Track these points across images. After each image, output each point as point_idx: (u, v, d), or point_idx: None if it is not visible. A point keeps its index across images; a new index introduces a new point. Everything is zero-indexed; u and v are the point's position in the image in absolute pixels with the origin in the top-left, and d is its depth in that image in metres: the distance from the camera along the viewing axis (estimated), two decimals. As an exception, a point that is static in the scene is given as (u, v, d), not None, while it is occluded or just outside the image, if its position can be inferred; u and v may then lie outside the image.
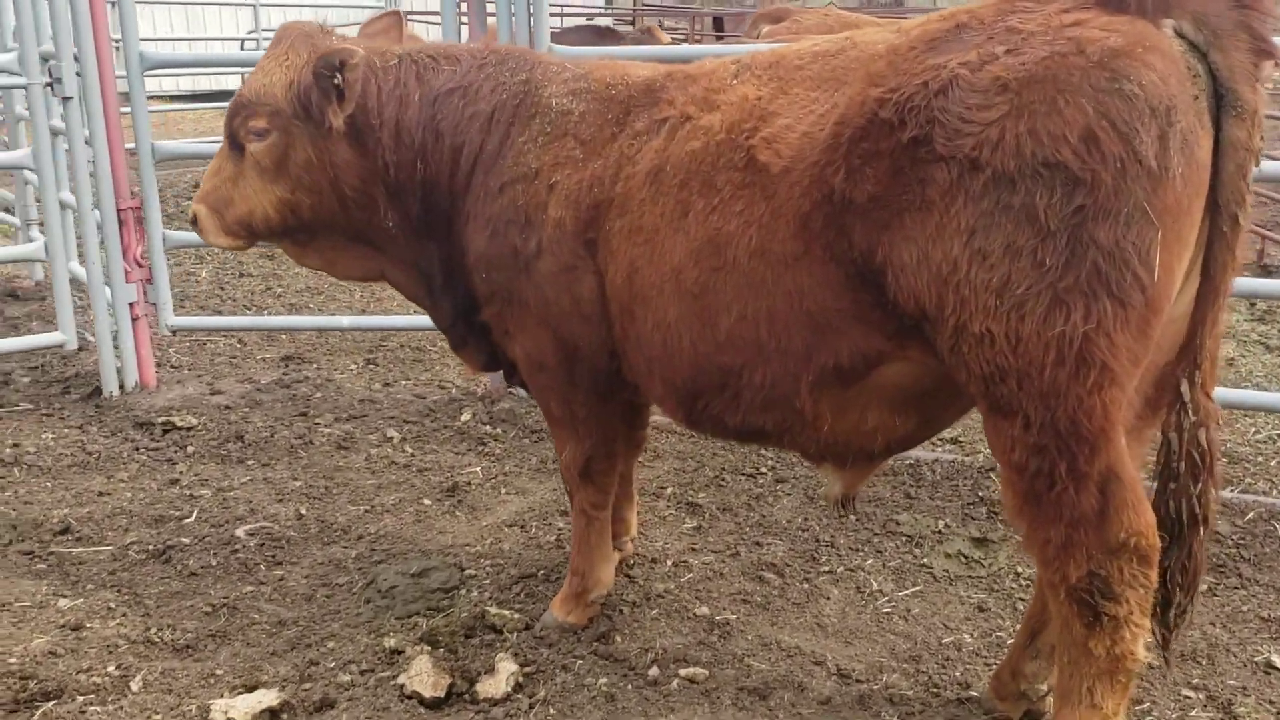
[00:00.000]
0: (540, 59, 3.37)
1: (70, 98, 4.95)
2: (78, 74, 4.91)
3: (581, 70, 3.23)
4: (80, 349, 5.85)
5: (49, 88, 4.90)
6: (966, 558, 3.91)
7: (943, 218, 2.29)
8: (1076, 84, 2.14)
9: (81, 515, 4.23)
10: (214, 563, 3.88)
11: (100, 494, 4.43)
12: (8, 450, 4.80)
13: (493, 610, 3.47)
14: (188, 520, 4.22)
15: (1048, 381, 2.24)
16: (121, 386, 5.40)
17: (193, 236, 5.92)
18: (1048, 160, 2.16)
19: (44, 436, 4.97)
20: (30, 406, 5.37)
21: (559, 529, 4.13)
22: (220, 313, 7.03)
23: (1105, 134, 2.12)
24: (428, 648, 3.29)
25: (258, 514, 4.26)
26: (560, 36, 11.97)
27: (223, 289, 7.75)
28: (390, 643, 3.31)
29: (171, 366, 5.96)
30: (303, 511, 4.28)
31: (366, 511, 4.30)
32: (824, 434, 2.69)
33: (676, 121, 2.87)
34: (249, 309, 7.18)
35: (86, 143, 5.07)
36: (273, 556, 3.94)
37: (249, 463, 4.76)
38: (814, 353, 2.57)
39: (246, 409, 5.31)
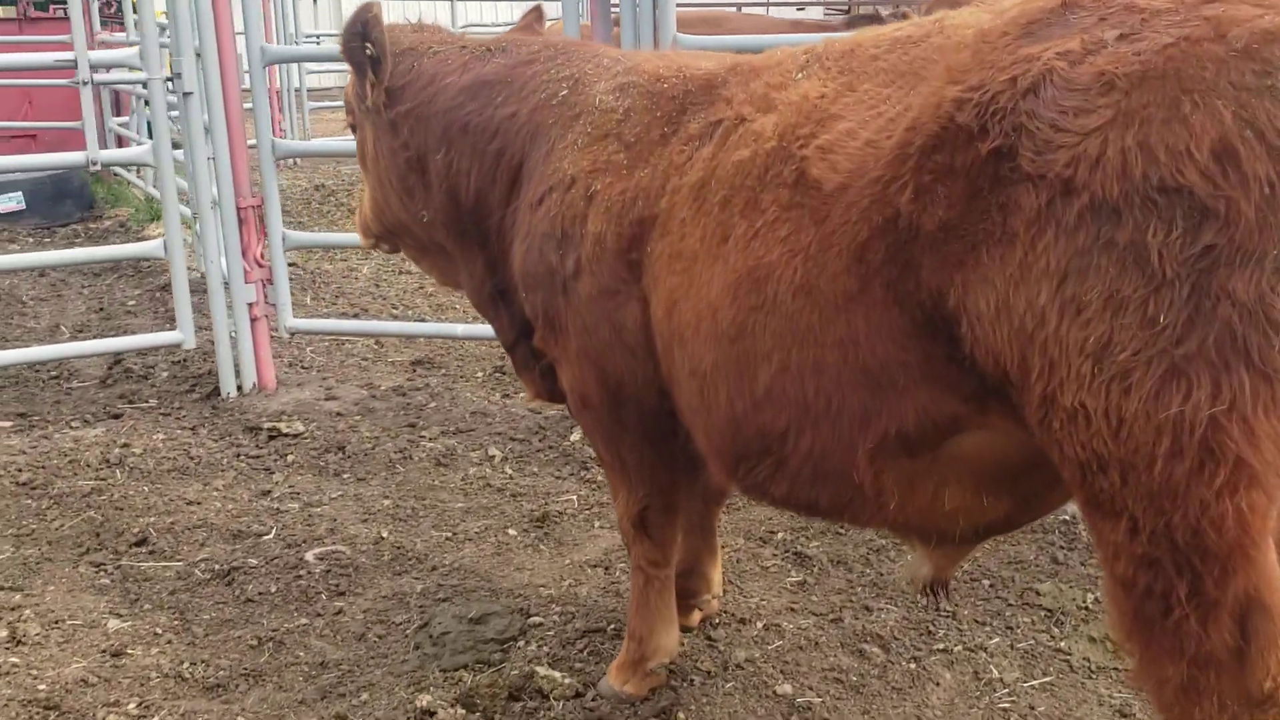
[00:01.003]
0: (600, 52, 2.96)
1: (190, 93, 4.88)
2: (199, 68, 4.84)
3: (633, 62, 2.81)
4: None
5: (169, 83, 4.85)
6: (1115, 645, 3.26)
7: (1027, 255, 1.75)
8: (1210, 81, 1.57)
9: (163, 526, 4.11)
10: (274, 589, 3.66)
11: (190, 503, 4.32)
12: (116, 450, 4.77)
13: (543, 671, 3.09)
14: (265, 537, 4.04)
15: (1160, 478, 1.67)
16: (240, 388, 5.34)
17: (314, 236, 5.86)
18: (1165, 184, 1.59)
19: (155, 437, 4.93)
20: (154, 404, 5.38)
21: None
22: (368, 311, 6.95)
23: (1248, 149, 1.54)
24: (463, 711, 2.95)
25: (336, 534, 4.04)
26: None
27: (378, 286, 7.70)
28: (425, 701, 2.98)
29: (303, 367, 5.89)
30: (383, 535, 4.03)
31: (448, 539, 4.01)
32: (891, 514, 2.17)
33: (730, 125, 2.40)
34: (396, 309, 7.08)
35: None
36: (336, 586, 3.69)
37: (344, 475, 4.57)
38: (872, 416, 2.05)
39: (357, 417, 5.14)
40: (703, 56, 2.80)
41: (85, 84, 4.61)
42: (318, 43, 14.32)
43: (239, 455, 4.73)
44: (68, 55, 4.61)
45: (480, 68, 3.01)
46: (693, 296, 2.34)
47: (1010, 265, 1.77)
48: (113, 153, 4.91)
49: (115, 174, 11.04)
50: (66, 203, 9.93)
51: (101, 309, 7.28)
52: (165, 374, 5.79)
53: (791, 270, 2.07)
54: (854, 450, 2.09)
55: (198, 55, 4.79)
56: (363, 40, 2.93)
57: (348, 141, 4.67)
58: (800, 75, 2.31)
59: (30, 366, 5.78)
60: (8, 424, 5.13)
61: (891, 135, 1.96)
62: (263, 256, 5.17)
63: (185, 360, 5.89)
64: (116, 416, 5.22)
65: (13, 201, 9.76)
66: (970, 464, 2.08)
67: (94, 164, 4.74)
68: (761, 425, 2.18)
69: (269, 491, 4.42)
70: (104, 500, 4.34)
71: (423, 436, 4.89)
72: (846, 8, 22.31)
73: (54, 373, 5.87)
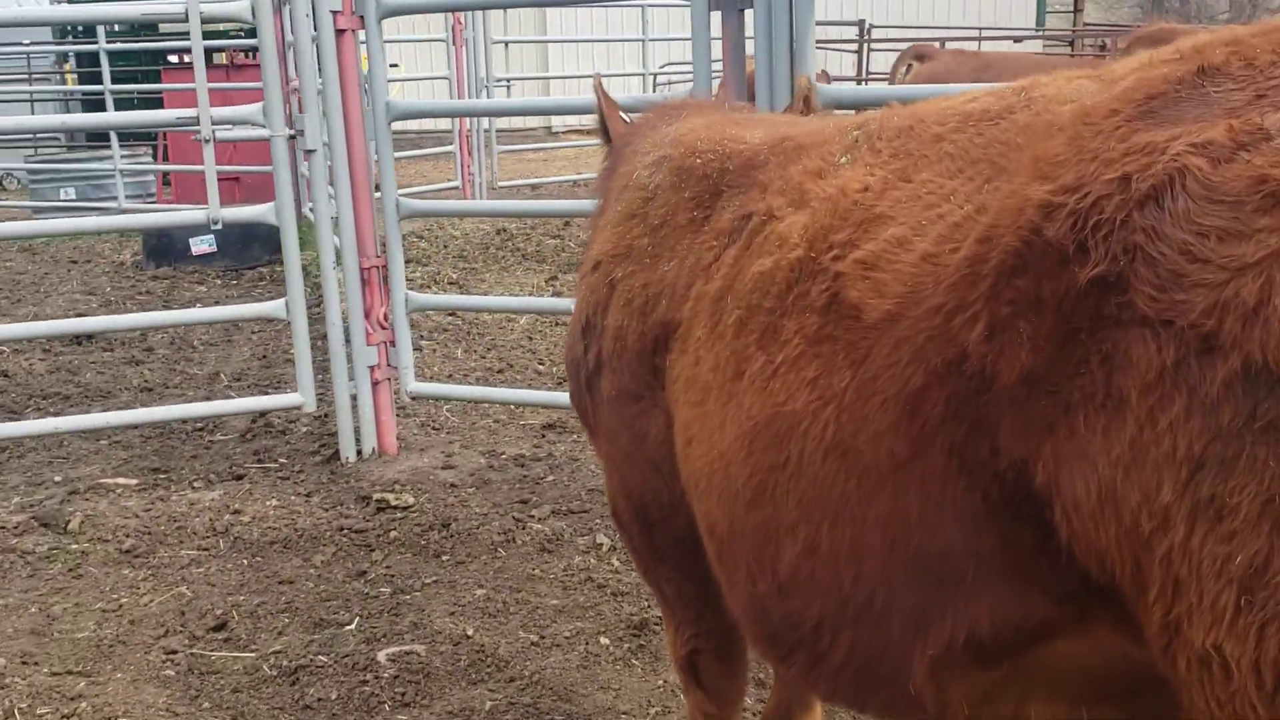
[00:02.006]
0: (686, 115, 2.54)
1: (313, 150, 4.74)
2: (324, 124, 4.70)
3: (682, 130, 2.37)
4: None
5: (293, 139, 4.72)
6: None
7: (1143, 431, 1.22)
8: None
9: (249, 608, 3.91)
10: (335, 695, 3.37)
11: (283, 582, 4.11)
12: (227, 518, 4.65)
13: (595, 832, 2.67)
14: (347, 627, 3.77)
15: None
16: (359, 453, 5.15)
17: (437, 298, 5.64)
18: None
19: (268, 504, 4.78)
20: (280, 464, 5.26)
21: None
22: (513, 366, 6.72)
23: None
24: None
25: (419, 629, 3.73)
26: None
27: (530, 339, 7.47)
28: None
29: (433, 428, 5.68)
30: (468, 632, 3.70)
31: (534, 643, 3.64)
32: (962, 729, 1.64)
33: (758, 221, 1.92)
34: (543, 365, 6.81)
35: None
36: (403, 695, 3.37)
37: (444, 558, 4.27)
38: (932, 617, 1.52)
39: (470, 489, 4.85)
40: (762, 124, 2.34)
41: (207, 141, 4.53)
42: (507, 88, 14.46)
43: (343, 529, 4.51)
44: (190, 113, 4.55)
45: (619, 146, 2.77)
46: (704, 440, 1.88)
47: (1118, 442, 1.25)
48: (234, 210, 4.78)
49: (307, 217, 11.36)
50: (255, 246, 10.22)
51: (264, 357, 7.34)
52: (302, 431, 5.70)
53: (821, 424, 1.58)
54: (909, 657, 1.57)
55: (323, 115, 4.65)
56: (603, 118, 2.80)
57: (475, 204, 4.50)
58: (845, 159, 1.81)
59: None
60: (133, 482, 5.10)
61: (957, 248, 1.45)
62: (385, 318, 4.97)
63: (324, 416, 5.79)
64: (239, 478, 5.13)
65: (205, 244, 10.12)
66: (1069, 676, 1.54)
67: (215, 222, 4.65)
68: (789, 613, 1.69)
69: (364, 573, 4.17)
70: (199, 574, 4.19)
71: (532, 516, 4.55)
72: (1070, 40, 21.03)
73: (200, 424, 5.87)
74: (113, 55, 14.02)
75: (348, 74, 4.72)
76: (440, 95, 17.26)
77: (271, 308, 4.94)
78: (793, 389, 1.69)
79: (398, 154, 15.60)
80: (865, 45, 17.73)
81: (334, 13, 4.66)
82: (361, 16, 4.72)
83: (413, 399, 5.22)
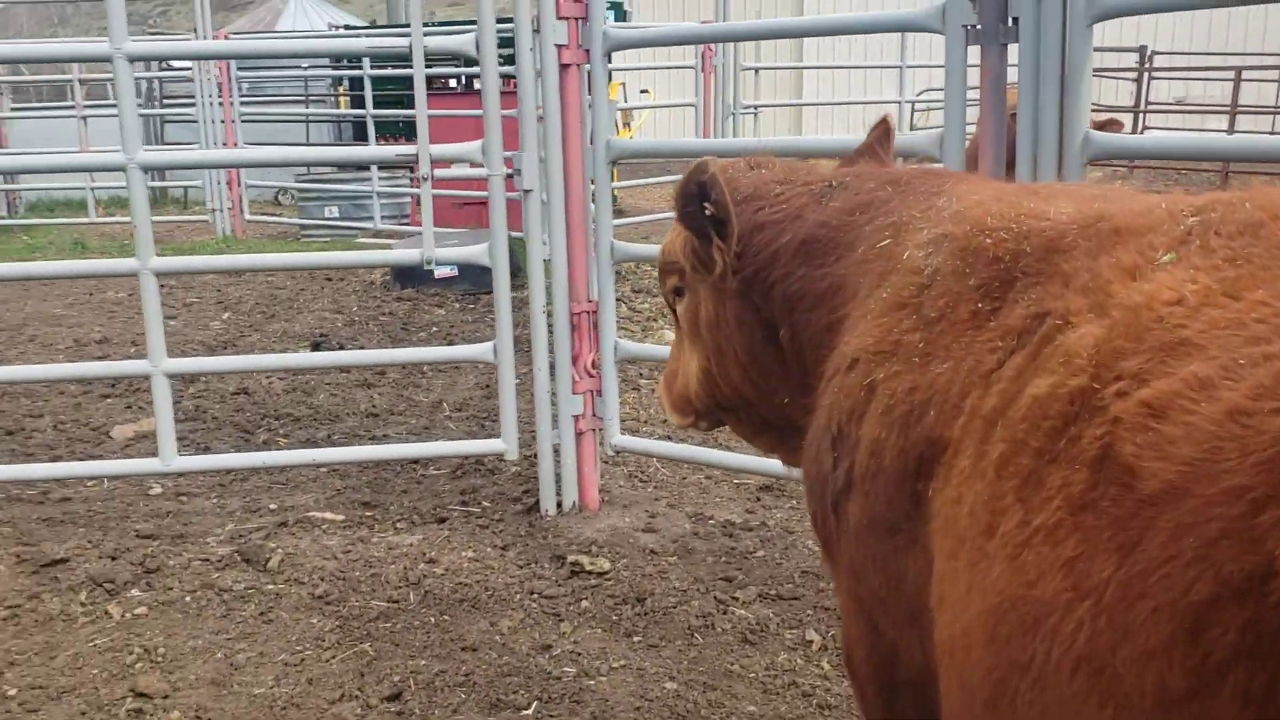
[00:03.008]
0: (953, 188, 2.09)
1: (530, 190, 4.52)
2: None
3: (966, 204, 1.91)
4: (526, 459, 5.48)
5: (509, 179, 4.51)
6: None
7: None
8: None
9: (428, 677, 3.68)
10: (498, 797, 3.07)
11: (466, 648, 3.87)
12: (421, 566, 4.47)
13: None
14: (524, 711, 3.48)
15: None
16: (559, 505, 4.88)
17: (651, 348, 5.31)
18: None
19: (464, 555, 4.58)
20: (483, 509, 5.08)
21: None
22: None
23: None
24: None
25: (599, 724, 3.39)
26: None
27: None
28: None
29: (641, 480, 5.36)
30: (651, 734, 3.33)
31: (722, 757, 3.23)
32: None
33: (1052, 325, 1.48)
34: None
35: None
36: (570, 805, 3.03)
37: (635, 638, 3.91)
38: None
39: (672, 558, 4.48)
40: (1071, 196, 1.85)
41: (425, 179, 4.39)
42: (754, 115, 14.12)
43: (534, 592, 4.24)
44: (409, 149, 4.42)
45: (815, 216, 2.33)
46: (952, 605, 1.46)
47: None
48: (448, 251, 4.62)
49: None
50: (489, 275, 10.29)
51: (487, 386, 7.26)
52: (510, 472, 5.51)
53: (1073, 624, 1.15)
54: None
55: (541, 158, 4.42)
56: (701, 201, 2.35)
57: None
58: (1169, 256, 1.33)
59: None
60: (339, 518, 5.03)
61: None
62: (594, 366, 4.69)
63: (531, 458, 5.59)
64: (441, 520, 4.97)
65: (448, 268, 10.28)
66: None
67: (429, 262, 4.51)
68: None
69: (550, 647, 3.87)
70: (386, 629, 4.01)
71: (736, 599, 4.13)
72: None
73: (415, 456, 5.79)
74: (381, 80, 14.65)
75: (570, 110, 4.48)
76: (687, 122, 17.19)
77: (480, 351, 4.74)
78: (1045, 567, 1.26)
79: (643, 180, 15.64)
80: (1145, 73, 16.34)
81: (559, 46, 4.43)
82: (587, 50, 4.47)
83: (616, 453, 4.91)
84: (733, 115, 13.35)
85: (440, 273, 10.39)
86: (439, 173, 10.10)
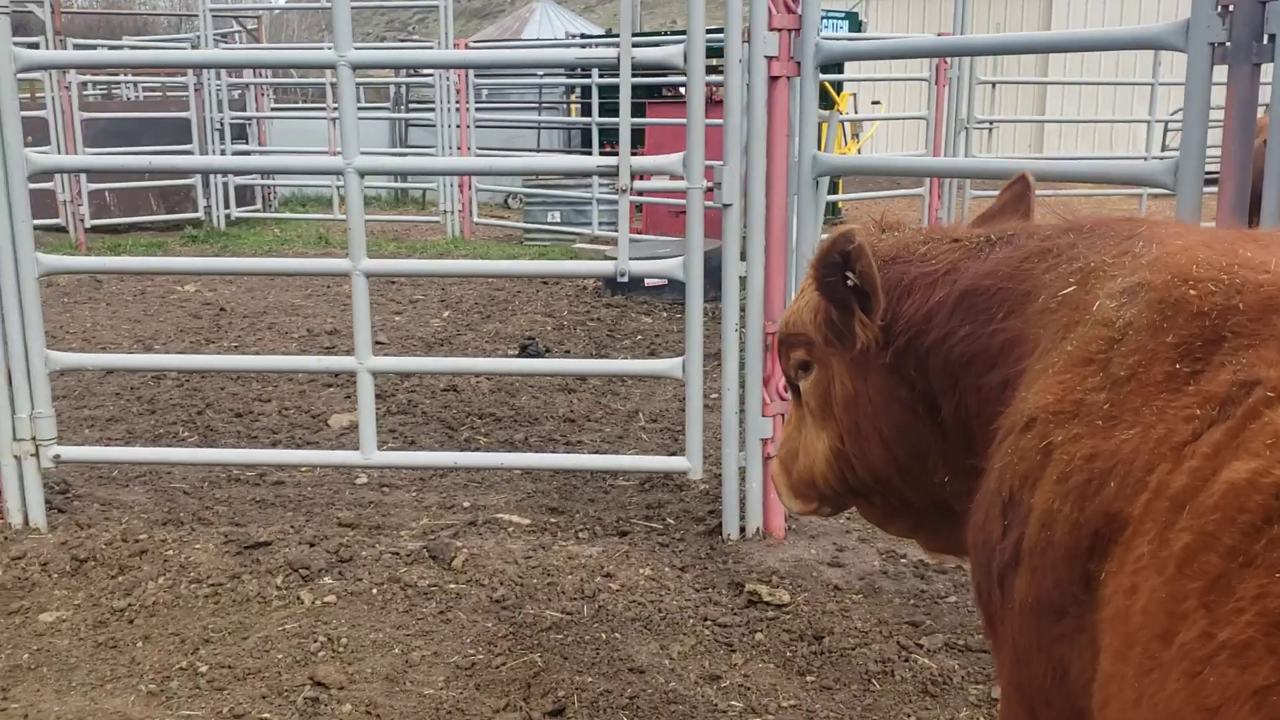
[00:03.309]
0: (1156, 234, 1.86)
1: (729, 205, 4.41)
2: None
3: (1162, 249, 1.69)
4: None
5: (709, 192, 4.42)
6: None
7: None
8: None
9: (593, 695, 3.63)
10: (647, 831, 2.98)
11: (634, 669, 3.80)
12: (598, 580, 4.43)
13: None
14: (683, 746, 3.38)
15: None
16: (742, 531, 4.76)
17: None
18: None
19: (641, 572, 4.52)
20: (666, 525, 5.01)
21: None
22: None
23: None
24: None
25: (759, 766, 3.26)
26: None
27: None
28: None
29: (833, 509, 5.16)
30: (813, 783, 3.16)
31: (887, 817, 3.03)
32: None
33: (1263, 397, 1.27)
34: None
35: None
36: None
37: (809, 678, 3.75)
38: None
39: (857, 596, 4.28)
40: None
41: (623, 191, 4.36)
42: (990, 128, 13.53)
43: (708, 619, 4.13)
44: (610, 162, 4.40)
45: (976, 268, 2.11)
46: (1117, 711, 1.28)
47: None
48: (642, 264, 4.57)
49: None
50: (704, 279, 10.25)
51: (685, 399, 7.21)
52: (698, 489, 5.43)
53: None
54: None
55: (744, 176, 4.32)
56: (843, 271, 2.16)
57: None
58: None
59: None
60: (525, 522, 5.08)
61: None
62: (786, 389, 4.53)
63: (718, 478, 5.48)
64: (623, 534, 4.94)
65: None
66: None
67: (622, 274, 4.48)
68: None
69: (719, 678, 3.75)
70: (557, 641, 4.00)
71: (920, 646, 3.89)
72: None
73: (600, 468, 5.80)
74: (610, 89, 14.91)
75: (776, 124, 4.35)
76: (920, 136, 16.70)
77: (669, 366, 4.68)
78: (1230, 693, 1.08)
79: (869, 193, 15.29)
80: None
81: (769, 58, 4.32)
82: (799, 63, 4.33)
83: (807, 481, 4.73)
84: (966, 130, 12.82)
85: (650, 281, 10.45)
86: (640, 185, 10.15)
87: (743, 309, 4.56)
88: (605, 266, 4.56)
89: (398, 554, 4.65)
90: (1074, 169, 4.54)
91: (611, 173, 4.39)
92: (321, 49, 4.12)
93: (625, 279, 4.49)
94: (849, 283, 2.15)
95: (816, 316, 2.29)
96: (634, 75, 4.06)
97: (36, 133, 14.06)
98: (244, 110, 16.24)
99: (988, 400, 1.99)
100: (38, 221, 13.99)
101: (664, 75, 14.89)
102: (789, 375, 2.47)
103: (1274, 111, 3.24)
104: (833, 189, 14.28)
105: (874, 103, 18.70)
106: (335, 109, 16.00)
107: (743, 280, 4.51)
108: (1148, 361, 1.52)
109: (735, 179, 4.38)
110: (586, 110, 17.08)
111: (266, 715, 3.53)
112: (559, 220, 14.19)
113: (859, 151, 16.84)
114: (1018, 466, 1.67)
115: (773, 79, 4.36)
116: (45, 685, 3.72)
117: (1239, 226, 3.21)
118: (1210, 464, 1.27)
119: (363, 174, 4.45)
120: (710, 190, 4.41)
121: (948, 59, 12.69)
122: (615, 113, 15.45)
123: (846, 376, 2.28)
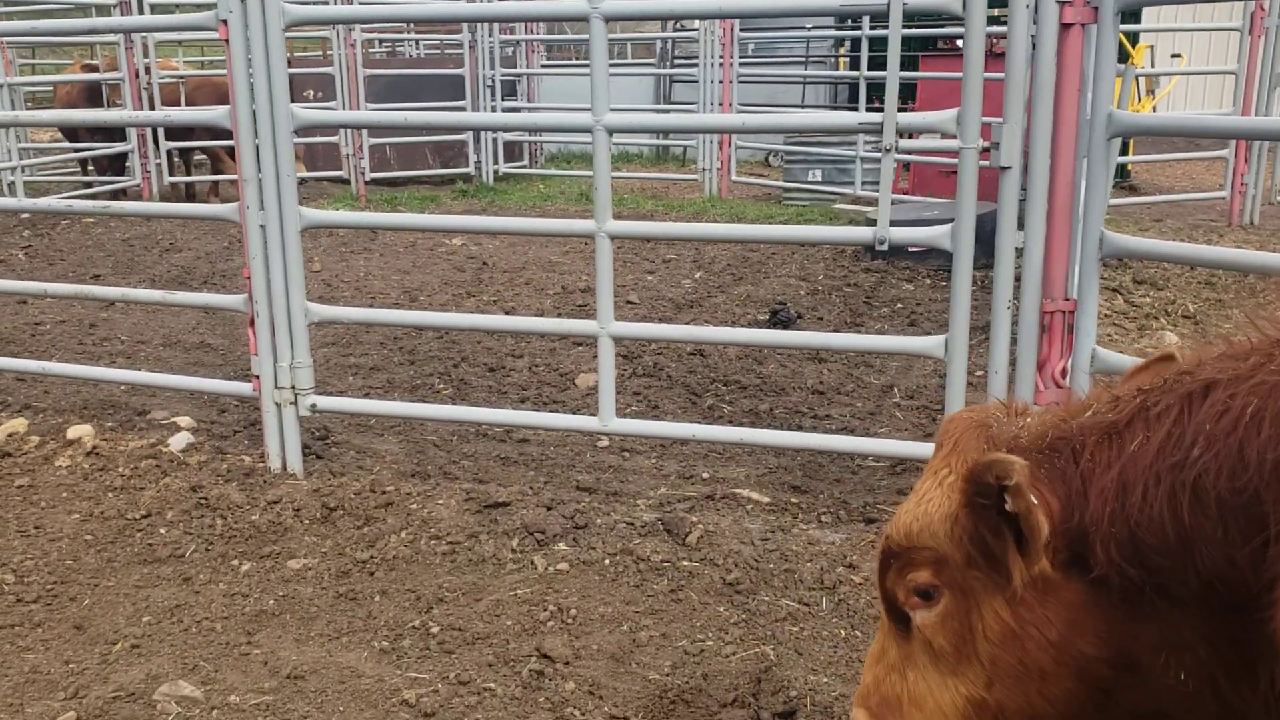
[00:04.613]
0: None
1: (1008, 168, 3.95)
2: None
3: None
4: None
5: (985, 154, 3.97)
6: None
7: None
8: None
9: (826, 699, 3.37)
10: None
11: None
12: (840, 570, 4.13)
13: None
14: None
15: None
16: (1004, 528, 4.31)
17: (1130, 361, 4.47)
18: None
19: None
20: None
21: None
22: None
23: None
24: None
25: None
26: None
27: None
28: None
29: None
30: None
31: None
32: None
33: None
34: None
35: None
36: None
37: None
38: None
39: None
40: None
41: (887, 151, 3.99)
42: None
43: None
44: (875, 117, 4.02)
45: (1178, 404, 1.68)
46: None
47: None
48: (904, 231, 4.18)
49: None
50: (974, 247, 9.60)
51: (943, 375, 6.72)
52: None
53: None
54: None
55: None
56: (999, 499, 1.73)
57: (1202, 251, 3.29)
58: None
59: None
60: (765, 500, 4.83)
61: None
62: (1063, 374, 4.06)
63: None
64: (870, 521, 4.61)
65: (922, 241, 9.74)
66: None
67: (881, 242, 4.11)
68: None
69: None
70: (791, 634, 3.75)
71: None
72: None
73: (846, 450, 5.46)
74: (880, 41, 14.22)
75: (1067, 78, 3.85)
76: (1225, 92, 15.07)
77: (930, 345, 4.29)
78: None
79: (1164, 155, 13.96)
80: None
81: (1061, 4, 3.81)
82: (1095, 8, 3.81)
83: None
84: (1276, 88, 11.42)
85: (913, 245, 9.89)
86: (908, 144, 9.55)
87: (1017, 281, 4.10)
88: (863, 233, 4.20)
89: (632, 524, 4.51)
90: None
91: (876, 129, 4.02)
92: (577, 2, 3.92)
93: (884, 247, 4.12)
94: (1005, 512, 1.72)
95: (956, 529, 1.81)
96: (906, 24, 3.66)
97: (324, 88, 14.92)
98: (514, 67, 16.61)
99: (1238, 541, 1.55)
100: (325, 174, 14.86)
101: (940, 25, 14.08)
102: (894, 600, 1.93)
103: None
104: (1122, 150, 13.12)
105: (1174, 56, 17.04)
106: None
107: (1019, 251, 4.05)
108: None
109: (1016, 139, 3.92)
110: (855, 65, 16.44)
111: (491, 685, 3.47)
112: (820, 179, 13.74)
113: (1154, 109, 15.41)
114: None
115: (1064, 26, 3.85)
116: (287, 632, 3.82)
117: None
118: None
119: (611, 131, 4.28)
120: (986, 151, 3.96)
121: (1265, 6, 11.32)
122: (885, 66, 14.78)
123: (1005, 608, 1.79)
